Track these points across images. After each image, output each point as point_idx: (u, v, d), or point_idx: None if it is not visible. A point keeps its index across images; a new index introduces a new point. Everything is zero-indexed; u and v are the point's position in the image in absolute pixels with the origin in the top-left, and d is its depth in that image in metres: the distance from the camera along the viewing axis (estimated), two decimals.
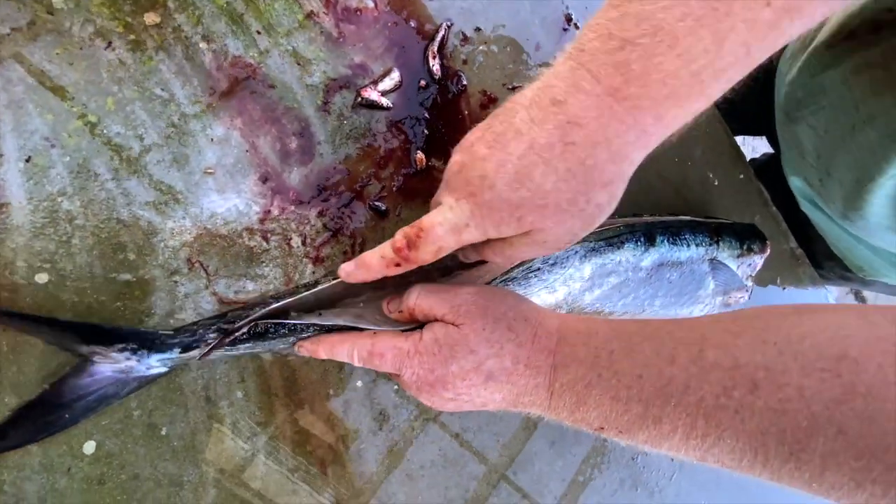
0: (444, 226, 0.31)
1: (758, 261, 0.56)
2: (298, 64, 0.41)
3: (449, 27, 0.47)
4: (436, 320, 0.34)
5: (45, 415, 0.34)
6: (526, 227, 0.30)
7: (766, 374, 0.27)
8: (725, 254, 0.53)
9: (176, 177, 0.38)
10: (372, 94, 0.43)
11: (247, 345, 0.38)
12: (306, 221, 0.41)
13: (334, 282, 0.37)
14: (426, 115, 0.46)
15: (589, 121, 0.28)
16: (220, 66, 0.39)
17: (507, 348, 0.33)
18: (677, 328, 0.32)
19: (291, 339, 0.38)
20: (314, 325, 0.38)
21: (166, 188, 0.38)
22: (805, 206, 0.67)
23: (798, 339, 0.28)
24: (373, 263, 0.33)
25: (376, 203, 0.43)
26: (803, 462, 0.26)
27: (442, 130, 0.46)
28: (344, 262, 0.42)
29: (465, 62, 0.48)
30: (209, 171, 0.38)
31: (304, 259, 0.41)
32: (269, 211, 0.40)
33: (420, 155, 0.45)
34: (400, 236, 0.32)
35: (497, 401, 0.34)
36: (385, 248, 0.33)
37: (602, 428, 0.32)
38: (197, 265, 0.38)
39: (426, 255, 0.32)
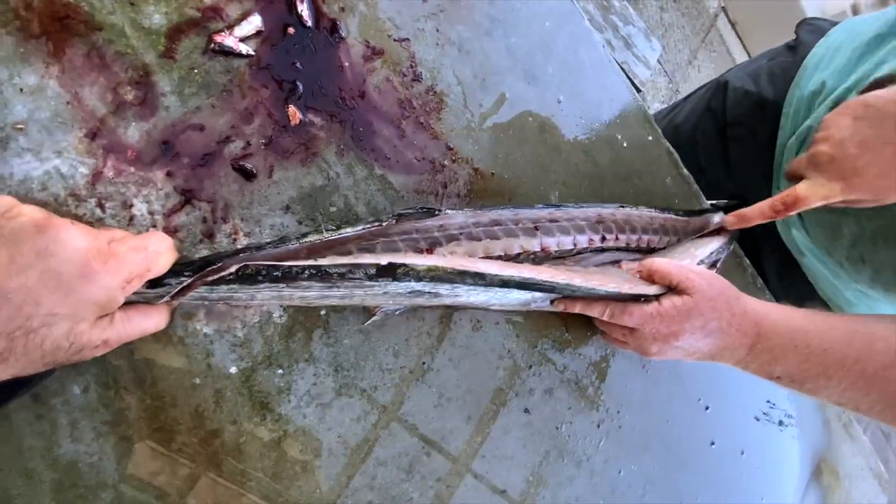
0: (817, 196, 0.47)
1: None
2: (131, 4, 0.35)
3: None
4: (669, 286, 0.48)
5: None
6: (879, 199, 0.46)
7: None
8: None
9: None
10: (227, 41, 0.38)
11: (230, 286, 0.33)
12: (151, 184, 0.35)
13: (320, 235, 0.38)
14: (298, 65, 0.41)
15: None
16: (30, 3, 0.33)
17: (725, 315, 0.46)
18: (852, 322, 0.48)
19: (281, 286, 0.34)
20: (310, 267, 0.34)
21: None
22: (798, 253, 0.68)
23: None
24: (753, 217, 0.52)
25: (242, 163, 0.38)
26: None
27: (318, 83, 0.42)
28: (202, 230, 0.37)
29: (342, 9, 0.44)
30: (19, 126, 0.32)
31: (152, 228, 0.35)
32: (100, 173, 0.34)
33: (293, 109, 0.40)
34: (779, 201, 0.49)
35: (703, 351, 0.48)
36: (765, 209, 0.51)
37: (779, 378, 0.48)
38: None
39: (794, 212, 0.49)
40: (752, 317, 0.47)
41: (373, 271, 0.37)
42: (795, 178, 0.51)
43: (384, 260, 0.37)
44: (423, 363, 0.47)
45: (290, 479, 0.40)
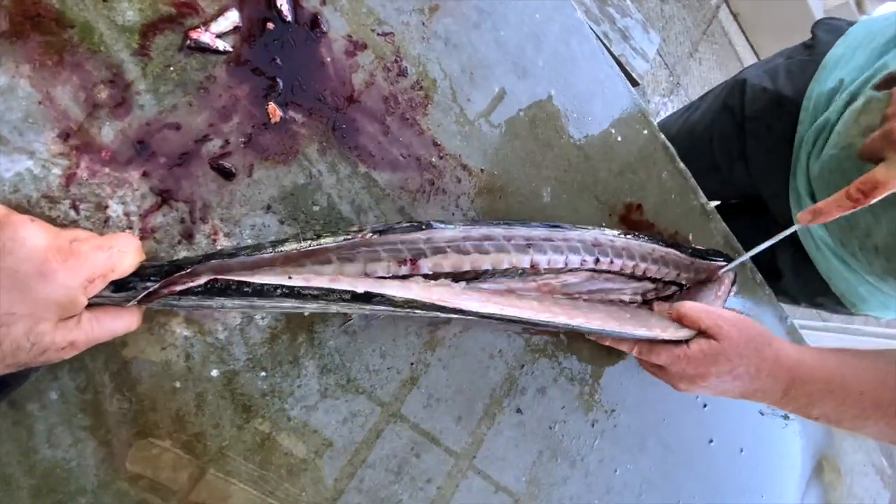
0: None
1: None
2: (104, 0, 0.35)
3: None
4: (699, 330, 0.48)
5: None
6: None
7: None
8: None
9: None
10: (203, 37, 0.37)
11: (197, 298, 0.32)
12: (126, 185, 0.34)
13: (298, 244, 0.36)
14: (278, 62, 0.40)
15: None
16: None
17: (754, 361, 0.47)
18: (884, 362, 0.49)
19: (253, 299, 0.33)
20: (283, 286, 0.33)
21: None
22: (812, 247, 0.68)
23: None
24: (829, 210, 0.46)
25: (221, 162, 0.37)
26: None
27: (299, 80, 0.41)
28: (180, 231, 0.36)
29: (324, 3, 0.43)
30: None
31: (128, 230, 0.35)
32: (74, 174, 0.33)
33: (273, 106, 0.39)
34: (854, 189, 0.45)
35: (734, 392, 0.49)
36: (841, 199, 0.45)
37: (817, 418, 0.50)
38: None
39: (874, 199, 0.44)
40: (785, 362, 0.48)
41: (347, 297, 0.35)
42: (872, 159, 0.49)
43: (360, 288, 0.35)
44: (412, 364, 0.46)
45: (275, 483, 0.39)
